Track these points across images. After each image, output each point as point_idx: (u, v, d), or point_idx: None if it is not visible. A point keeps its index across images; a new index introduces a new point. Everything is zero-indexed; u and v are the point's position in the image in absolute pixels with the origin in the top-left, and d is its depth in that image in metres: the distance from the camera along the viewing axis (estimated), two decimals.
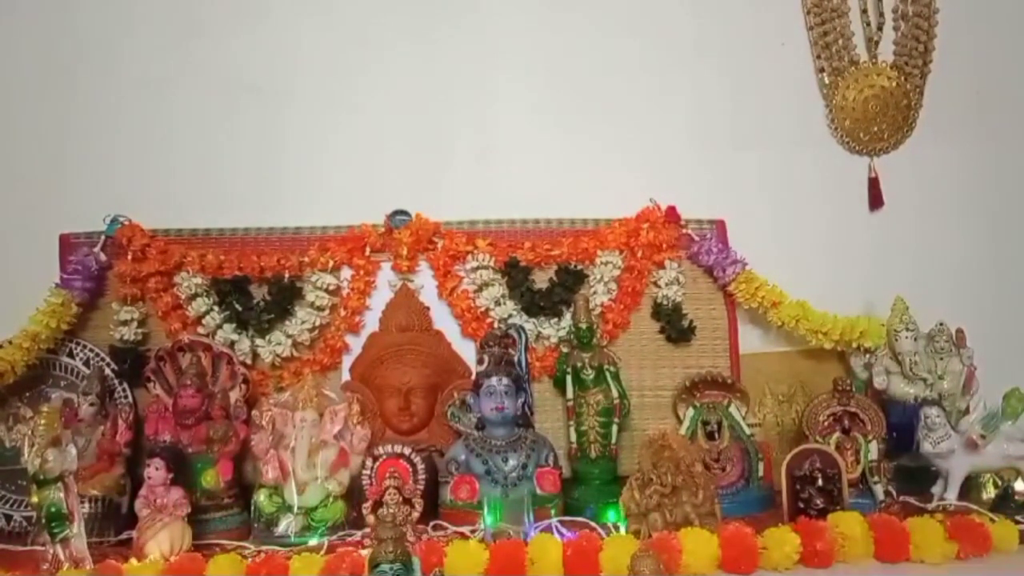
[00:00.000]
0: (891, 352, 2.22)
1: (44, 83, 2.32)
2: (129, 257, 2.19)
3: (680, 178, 2.39)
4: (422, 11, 2.40)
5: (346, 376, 2.24)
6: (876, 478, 1.99)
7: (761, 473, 2.11)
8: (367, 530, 1.82)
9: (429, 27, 2.40)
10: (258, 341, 2.21)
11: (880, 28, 2.49)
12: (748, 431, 2.15)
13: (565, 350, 2.22)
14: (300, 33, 2.38)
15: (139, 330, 2.19)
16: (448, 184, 2.36)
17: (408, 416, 2.18)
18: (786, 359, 2.38)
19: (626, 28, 2.43)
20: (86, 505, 1.86)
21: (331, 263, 2.24)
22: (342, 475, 1.96)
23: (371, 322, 2.26)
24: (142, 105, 2.33)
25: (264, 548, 1.81)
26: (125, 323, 2.18)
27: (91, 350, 2.18)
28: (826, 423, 2.09)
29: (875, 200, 2.48)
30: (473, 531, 1.84)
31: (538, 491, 1.95)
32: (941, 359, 2.19)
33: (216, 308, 2.22)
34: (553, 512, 1.92)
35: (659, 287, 2.32)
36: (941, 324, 2.20)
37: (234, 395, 2.10)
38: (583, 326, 2.15)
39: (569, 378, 2.15)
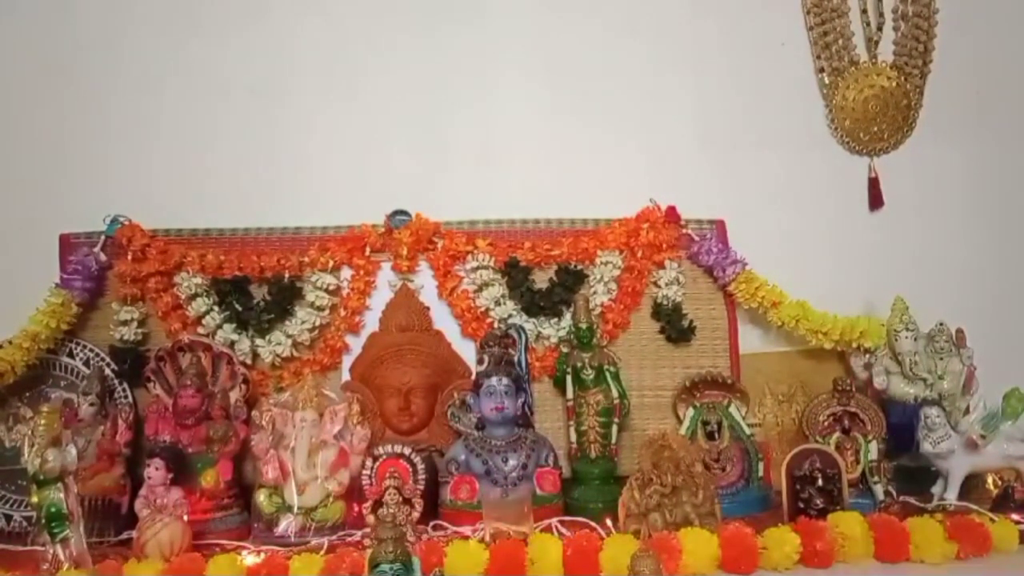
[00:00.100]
0: (891, 352, 2.22)
1: (44, 83, 2.32)
2: (129, 257, 2.19)
3: (680, 178, 2.39)
4: (422, 11, 2.40)
5: (346, 376, 2.24)
6: (876, 478, 1.99)
7: (761, 473, 2.11)
8: (367, 530, 1.82)
9: (430, 27, 2.40)
10: (258, 341, 2.21)
11: (880, 28, 2.50)
12: (748, 431, 2.15)
13: (565, 350, 2.22)
14: (300, 33, 2.38)
15: (139, 330, 2.19)
16: (448, 184, 2.36)
17: (408, 416, 2.18)
18: (786, 359, 2.38)
19: (626, 28, 2.43)
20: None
21: (331, 263, 2.24)
22: (342, 475, 1.96)
23: (371, 322, 2.26)
24: (142, 105, 2.33)
25: (264, 548, 1.81)
26: (125, 323, 2.18)
27: (91, 350, 2.18)
28: (826, 423, 2.10)
29: (875, 200, 2.48)
30: (473, 531, 1.84)
31: (538, 491, 1.95)
32: (941, 359, 2.19)
33: (216, 308, 2.22)
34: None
35: (659, 287, 2.32)
36: (941, 324, 2.20)
37: (234, 395, 2.10)
38: (583, 326, 2.15)
39: (569, 378, 2.15)
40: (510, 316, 2.26)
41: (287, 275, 2.24)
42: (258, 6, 2.38)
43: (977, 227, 2.50)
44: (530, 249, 2.29)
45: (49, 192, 2.29)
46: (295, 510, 1.92)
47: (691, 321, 2.31)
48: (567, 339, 2.24)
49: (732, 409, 2.16)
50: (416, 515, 1.80)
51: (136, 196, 2.26)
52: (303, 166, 2.35)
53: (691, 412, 2.17)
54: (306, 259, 2.24)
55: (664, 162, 2.41)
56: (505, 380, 2.02)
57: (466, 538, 1.77)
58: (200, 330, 2.20)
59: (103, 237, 2.21)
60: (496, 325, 2.25)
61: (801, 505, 1.84)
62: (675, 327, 2.30)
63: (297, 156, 2.36)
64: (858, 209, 2.49)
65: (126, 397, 2.17)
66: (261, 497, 1.94)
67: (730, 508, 1.91)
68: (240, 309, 2.22)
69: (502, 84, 2.40)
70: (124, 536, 1.91)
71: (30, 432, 1.94)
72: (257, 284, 2.25)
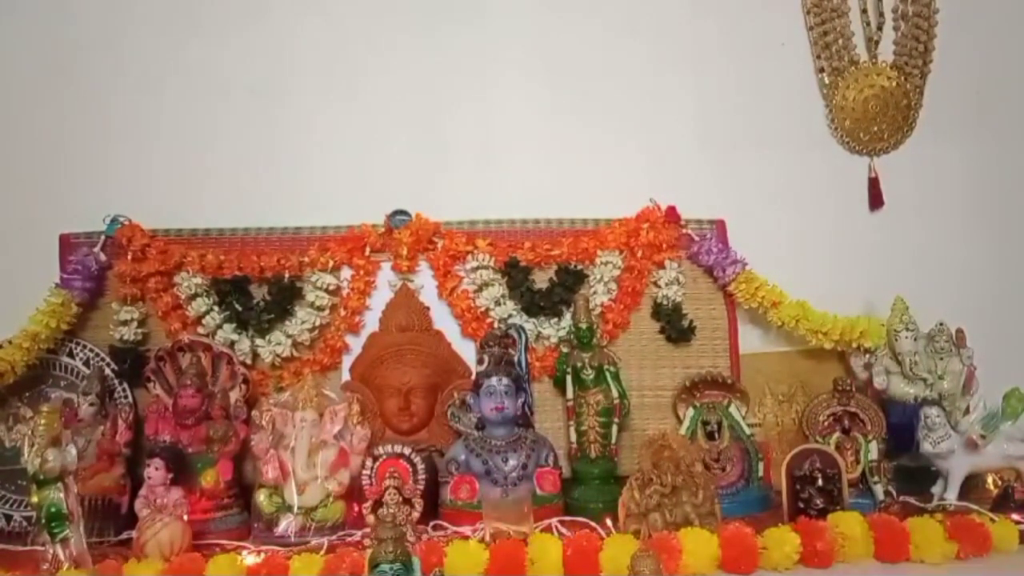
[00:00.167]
0: (891, 352, 2.22)
1: (44, 83, 2.32)
2: (129, 257, 2.19)
3: (680, 178, 2.39)
4: (422, 11, 2.40)
5: (346, 376, 2.24)
6: (876, 478, 1.99)
7: (761, 473, 2.11)
8: (367, 530, 1.82)
9: (430, 26, 2.40)
10: (258, 341, 2.21)
11: (880, 28, 2.50)
12: (748, 431, 2.15)
13: (565, 350, 2.22)
14: (300, 33, 2.38)
15: (139, 330, 2.19)
16: (448, 184, 2.36)
17: (408, 416, 2.18)
18: (786, 359, 2.38)
19: (626, 28, 2.43)
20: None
21: (331, 263, 2.24)
22: (342, 475, 1.96)
23: (371, 322, 2.26)
24: (142, 105, 2.33)
25: (264, 548, 1.81)
26: (125, 323, 2.18)
27: (91, 350, 2.18)
28: (826, 423, 2.10)
29: (875, 200, 2.48)
30: (473, 531, 1.83)
31: (538, 491, 1.95)
32: (941, 359, 2.19)
33: (216, 308, 2.22)
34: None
35: (659, 287, 2.32)
36: (941, 324, 2.20)
37: (234, 395, 2.10)
38: (583, 326, 2.15)
39: (569, 378, 2.15)
40: (510, 316, 2.26)
41: (287, 275, 2.24)
42: (258, 6, 2.38)
43: (977, 227, 2.50)
44: (530, 249, 2.29)
45: (49, 192, 2.29)
46: (295, 510, 1.92)
47: (691, 321, 2.31)
48: (567, 339, 2.24)
49: (732, 409, 2.16)
50: (416, 515, 1.80)
51: (136, 196, 2.26)
52: (303, 166, 2.35)
53: (691, 412, 2.17)
54: (306, 259, 2.24)
55: (664, 162, 2.41)
56: (505, 380, 2.02)
57: (466, 538, 1.77)
58: (200, 330, 2.20)
59: (103, 237, 2.21)
60: (496, 325, 2.25)
61: (801, 505, 1.84)
62: (675, 327, 2.30)
63: (297, 156, 2.36)
64: (858, 209, 2.49)
65: (126, 397, 2.17)
66: (261, 497, 1.94)
67: (730, 508, 1.91)
68: (240, 309, 2.22)
69: (502, 84, 2.40)
70: (124, 536, 1.91)
71: (30, 432, 1.94)
72: (257, 284, 2.25)
